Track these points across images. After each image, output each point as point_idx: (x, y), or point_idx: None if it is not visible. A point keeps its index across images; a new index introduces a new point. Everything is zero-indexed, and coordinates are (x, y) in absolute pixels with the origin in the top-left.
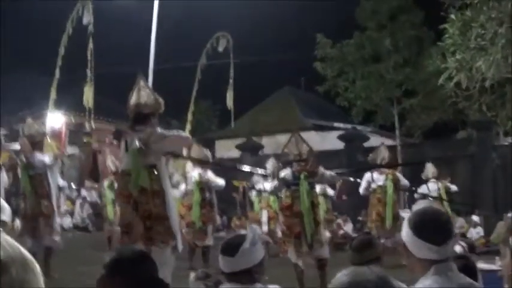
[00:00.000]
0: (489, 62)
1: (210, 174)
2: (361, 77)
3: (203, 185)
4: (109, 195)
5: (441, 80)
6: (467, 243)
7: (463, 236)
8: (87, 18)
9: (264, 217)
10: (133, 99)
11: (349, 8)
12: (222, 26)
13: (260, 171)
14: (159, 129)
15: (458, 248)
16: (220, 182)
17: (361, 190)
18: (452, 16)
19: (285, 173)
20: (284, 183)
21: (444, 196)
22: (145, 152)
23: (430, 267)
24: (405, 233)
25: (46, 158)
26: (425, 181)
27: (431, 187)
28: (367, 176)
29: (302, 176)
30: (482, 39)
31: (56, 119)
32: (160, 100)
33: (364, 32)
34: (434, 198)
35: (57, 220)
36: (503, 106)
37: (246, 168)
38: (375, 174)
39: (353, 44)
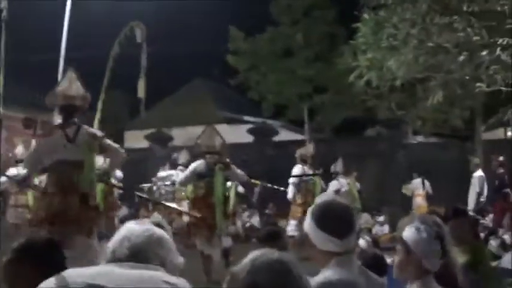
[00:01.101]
0: (400, 62)
1: None
2: (272, 72)
3: None
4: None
5: (352, 77)
6: (371, 238)
7: (369, 231)
8: (3, 3)
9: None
10: (63, 90)
11: (263, 2)
12: (136, 15)
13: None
14: (107, 140)
15: (362, 242)
16: None
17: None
18: (366, 15)
19: (197, 164)
20: (197, 174)
21: (354, 191)
22: (93, 149)
23: (331, 259)
24: (308, 224)
25: None
26: (334, 176)
27: (342, 182)
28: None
29: (217, 168)
30: (394, 39)
31: None
32: (89, 96)
33: (277, 27)
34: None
35: None
36: (413, 105)
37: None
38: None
39: (266, 38)
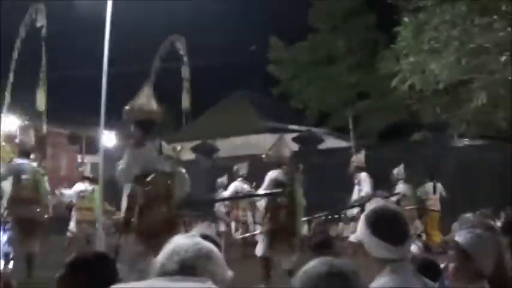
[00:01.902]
0: (442, 65)
1: None
2: (314, 80)
3: None
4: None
5: (395, 82)
6: (423, 243)
7: (419, 236)
8: (41, 21)
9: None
10: (143, 105)
11: (302, 10)
12: (176, 28)
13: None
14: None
15: (413, 248)
16: None
17: None
18: (406, 19)
19: (276, 173)
20: (277, 183)
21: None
22: (176, 161)
23: (386, 266)
24: (362, 231)
25: None
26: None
27: (403, 188)
28: None
29: (296, 177)
30: (435, 42)
31: (10, 123)
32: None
33: (317, 34)
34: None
35: None
36: (457, 108)
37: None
38: None
39: (306, 46)
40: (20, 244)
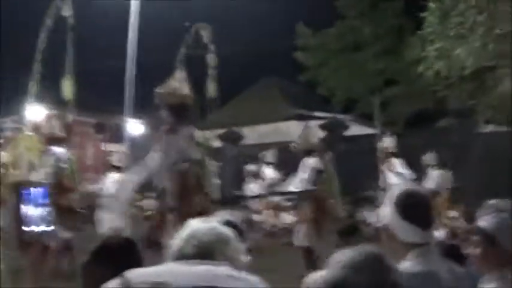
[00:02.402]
0: (468, 51)
1: None
2: (342, 66)
3: None
4: None
5: (421, 68)
6: (449, 229)
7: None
8: (68, 11)
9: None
10: (176, 89)
11: None
12: (202, 16)
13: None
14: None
15: (438, 234)
16: None
17: None
18: (432, 5)
19: (313, 161)
20: (316, 171)
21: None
22: (207, 148)
23: (411, 250)
24: (390, 214)
25: None
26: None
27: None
28: None
29: (329, 164)
30: (461, 28)
31: (36, 113)
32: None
33: (344, 21)
34: None
35: None
36: (483, 94)
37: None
38: None
39: (333, 33)
40: (59, 233)
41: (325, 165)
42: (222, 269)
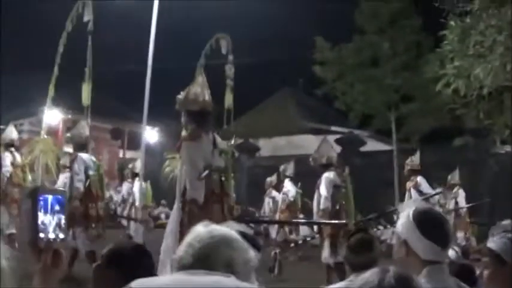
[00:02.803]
0: (487, 70)
1: None
2: (359, 81)
3: None
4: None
5: (439, 86)
6: (461, 248)
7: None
8: (88, 16)
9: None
10: (197, 95)
11: (348, 10)
12: (221, 26)
13: None
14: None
15: (451, 253)
16: None
17: None
18: (452, 23)
19: (332, 176)
20: (334, 186)
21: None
22: (231, 156)
23: (424, 268)
24: (409, 230)
25: None
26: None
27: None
28: None
29: (348, 179)
30: (481, 47)
31: (53, 116)
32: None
33: (363, 36)
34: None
35: None
36: (500, 114)
37: None
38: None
39: (352, 47)
40: (88, 240)
41: (344, 180)
42: (228, 281)
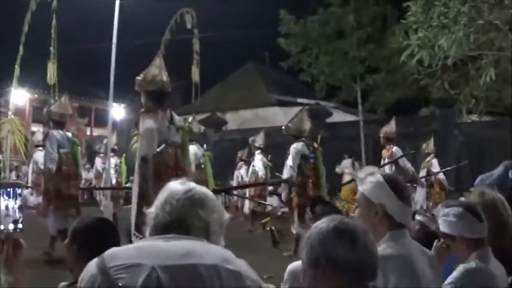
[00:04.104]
0: (451, 40)
1: None
2: (324, 53)
3: None
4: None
5: (403, 57)
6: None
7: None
8: None
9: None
10: (155, 76)
11: None
12: (187, 1)
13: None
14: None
15: (422, 218)
16: None
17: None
18: None
19: (300, 147)
20: (302, 157)
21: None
22: (188, 132)
23: (387, 232)
24: (385, 194)
25: None
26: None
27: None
28: None
29: (318, 150)
30: (444, 18)
31: (19, 96)
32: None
33: (327, 8)
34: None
35: None
36: (466, 84)
37: None
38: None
39: (317, 20)
40: (61, 219)
41: (313, 151)
42: (200, 246)
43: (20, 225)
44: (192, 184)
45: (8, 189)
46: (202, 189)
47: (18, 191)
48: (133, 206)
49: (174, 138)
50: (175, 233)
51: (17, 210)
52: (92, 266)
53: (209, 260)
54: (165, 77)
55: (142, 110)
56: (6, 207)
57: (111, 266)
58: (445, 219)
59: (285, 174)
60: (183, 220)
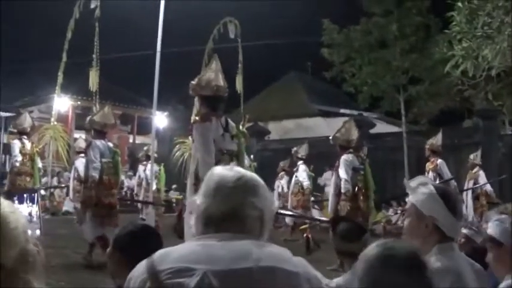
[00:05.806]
0: (495, 51)
1: None
2: (367, 63)
3: None
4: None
5: (447, 67)
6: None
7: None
8: (94, 2)
9: None
10: (211, 80)
11: None
12: (230, 11)
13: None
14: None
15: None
16: None
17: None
18: (460, 4)
19: (351, 159)
20: (353, 169)
21: None
22: (242, 140)
23: (436, 245)
24: (436, 207)
25: None
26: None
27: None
28: None
29: (367, 162)
30: (488, 28)
31: (62, 103)
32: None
33: (370, 18)
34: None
35: None
36: (509, 95)
37: None
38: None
39: (360, 30)
40: (98, 226)
41: (362, 162)
42: (257, 248)
43: (38, 231)
44: (242, 170)
45: (29, 195)
46: (253, 176)
47: (32, 196)
48: (186, 219)
49: (230, 146)
50: (230, 225)
51: (37, 216)
52: (142, 267)
53: (264, 261)
54: (221, 81)
55: (196, 118)
56: (30, 214)
57: (161, 269)
58: (498, 224)
59: (343, 189)
60: (237, 211)
